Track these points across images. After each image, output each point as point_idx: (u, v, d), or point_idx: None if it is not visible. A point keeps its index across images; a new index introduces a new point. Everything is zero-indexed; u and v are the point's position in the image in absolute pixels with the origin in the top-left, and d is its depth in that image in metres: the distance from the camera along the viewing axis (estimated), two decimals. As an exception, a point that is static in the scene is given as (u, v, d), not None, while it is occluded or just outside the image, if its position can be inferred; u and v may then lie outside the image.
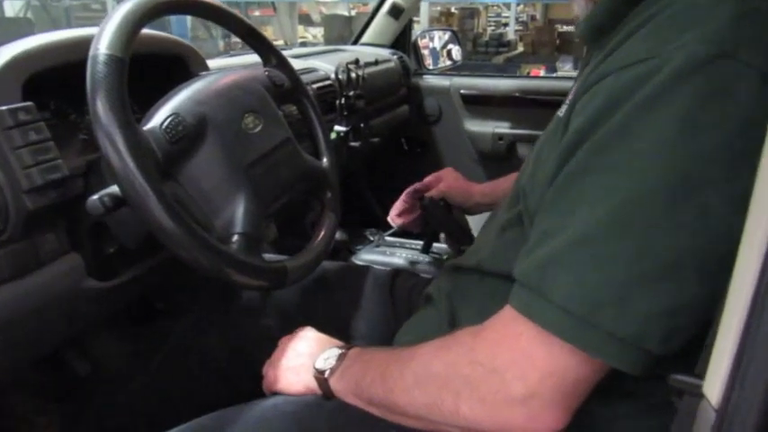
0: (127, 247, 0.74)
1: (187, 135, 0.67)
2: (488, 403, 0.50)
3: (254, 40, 0.87)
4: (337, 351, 0.66)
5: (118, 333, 1.07)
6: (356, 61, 1.38)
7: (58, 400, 1.03)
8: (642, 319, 0.45)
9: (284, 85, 0.86)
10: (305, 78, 0.94)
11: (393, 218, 1.08)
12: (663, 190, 0.44)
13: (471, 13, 8.44)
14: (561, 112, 0.57)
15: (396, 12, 1.88)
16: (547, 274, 0.48)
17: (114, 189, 0.63)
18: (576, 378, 0.48)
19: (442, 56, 2.14)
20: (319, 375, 0.65)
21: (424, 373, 0.56)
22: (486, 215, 1.05)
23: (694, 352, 0.44)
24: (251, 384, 0.75)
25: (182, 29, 3.82)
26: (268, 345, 0.76)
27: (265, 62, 0.89)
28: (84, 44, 0.63)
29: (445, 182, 1.06)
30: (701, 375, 0.35)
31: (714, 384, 0.33)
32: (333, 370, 0.64)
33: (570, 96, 0.56)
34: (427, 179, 1.09)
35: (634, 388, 0.52)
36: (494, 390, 0.50)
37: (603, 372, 0.49)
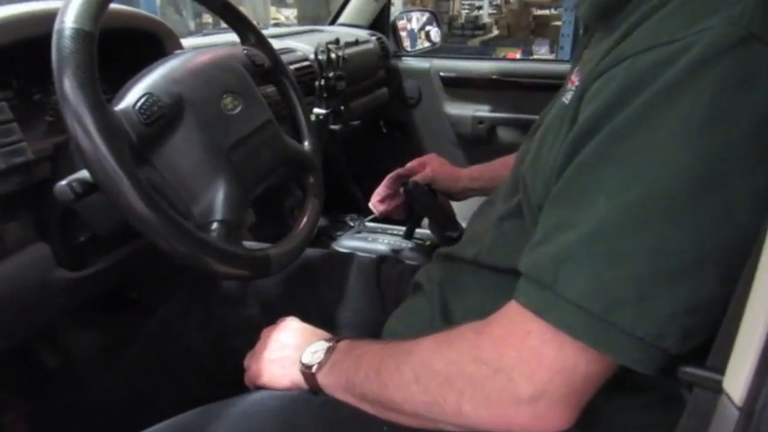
0: (99, 236, 0.70)
1: (163, 116, 0.63)
2: (493, 402, 0.48)
3: (231, 16, 0.84)
4: (325, 344, 0.63)
5: (90, 324, 1.03)
6: (336, 41, 1.34)
7: (27, 394, 0.99)
8: (662, 318, 0.43)
9: (264, 65, 0.83)
10: (282, 59, 0.90)
11: (375, 204, 1.05)
12: (685, 181, 0.42)
13: (447, -5, 8.37)
14: (567, 98, 0.54)
15: (375, -9, 1.84)
16: (560, 269, 0.45)
17: (84, 174, 0.59)
18: (586, 376, 0.46)
19: (420, 37, 2.11)
20: (306, 370, 0.62)
21: (423, 370, 0.53)
22: (471, 201, 1.04)
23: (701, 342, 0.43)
24: (233, 377, 0.72)
25: (150, 6, 3.70)
26: (250, 335, 0.73)
27: (243, 41, 0.86)
28: (49, 18, 0.59)
29: (431, 167, 1.03)
30: (721, 369, 0.33)
31: (737, 380, 0.31)
32: (321, 364, 0.61)
33: (576, 82, 0.53)
34: (410, 164, 1.05)
35: (639, 380, 0.51)
36: (499, 389, 0.48)
37: (614, 369, 0.47)
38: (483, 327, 0.51)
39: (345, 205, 1.72)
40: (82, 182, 0.59)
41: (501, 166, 1.00)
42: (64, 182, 0.59)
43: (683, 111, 0.42)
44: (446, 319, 0.68)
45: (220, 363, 0.84)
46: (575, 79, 0.54)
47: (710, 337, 0.40)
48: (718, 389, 0.33)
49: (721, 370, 0.33)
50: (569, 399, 0.47)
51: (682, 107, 0.42)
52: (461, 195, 1.05)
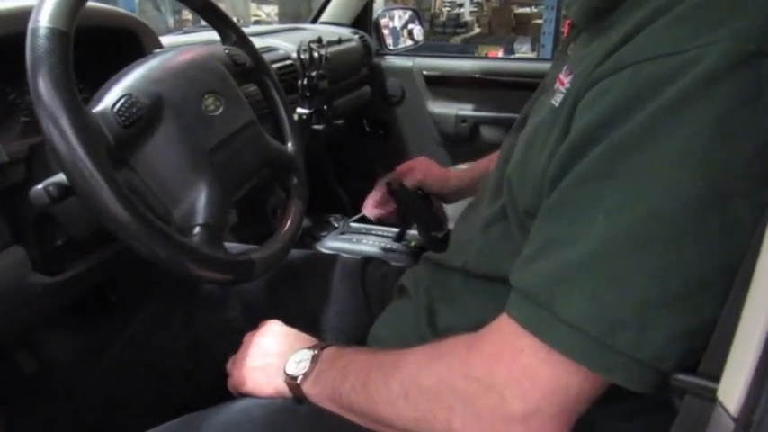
0: (76, 239, 0.68)
1: (142, 118, 0.62)
2: (485, 420, 0.47)
3: (212, 14, 0.82)
4: (310, 353, 0.62)
5: (68, 327, 1.00)
6: (319, 40, 1.32)
7: (4, 401, 0.97)
8: (663, 341, 0.42)
9: (246, 64, 0.81)
10: (264, 58, 0.89)
11: (369, 209, 1.02)
12: (690, 201, 0.40)
13: (428, -7, 8.36)
14: (556, 101, 0.52)
15: (357, -11, 1.83)
16: (558, 288, 0.44)
17: (60, 177, 0.57)
18: (579, 394, 0.45)
19: (403, 36, 2.10)
20: (291, 381, 0.60)
21: (412, 386, 0.52)
22: (462, 202, 1.02)
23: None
24: (215, 381, 0.71)
25: (128, 4, 3.64)
26: (231, 339, 0.72)
27: (224, 39, 0.84)
28: (23, 16, 0.57)
29: (420, 170, 1.00)
30: (715, 377, 0.32)
31: (733, 389, 0.30)
32: (306, 375, 0.60)
33: (566, 83, 0.51)
34: (399, 168, 1.02)
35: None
36: (491, 407, 0.47)
37: (606, 385, 0.46)
38: (474, 342, 0.50)
39: (329, 205, 1.70)
40: (58, 185, 0.57)
41: (489, 163, 0.98)
42: (40, 186, 0.57)
43: (687, 129, 0.40)
44: (432, 324, 0.67)
45: (201, 366, 0.83)
46: (564, 79, 0.52)
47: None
48: (712, 397, 0.32)
49: (716, 377, 0.32)
50: (561, 416, 0.46)
51: (685, 125, 0.40)
52: (453, 197, 1.02)
